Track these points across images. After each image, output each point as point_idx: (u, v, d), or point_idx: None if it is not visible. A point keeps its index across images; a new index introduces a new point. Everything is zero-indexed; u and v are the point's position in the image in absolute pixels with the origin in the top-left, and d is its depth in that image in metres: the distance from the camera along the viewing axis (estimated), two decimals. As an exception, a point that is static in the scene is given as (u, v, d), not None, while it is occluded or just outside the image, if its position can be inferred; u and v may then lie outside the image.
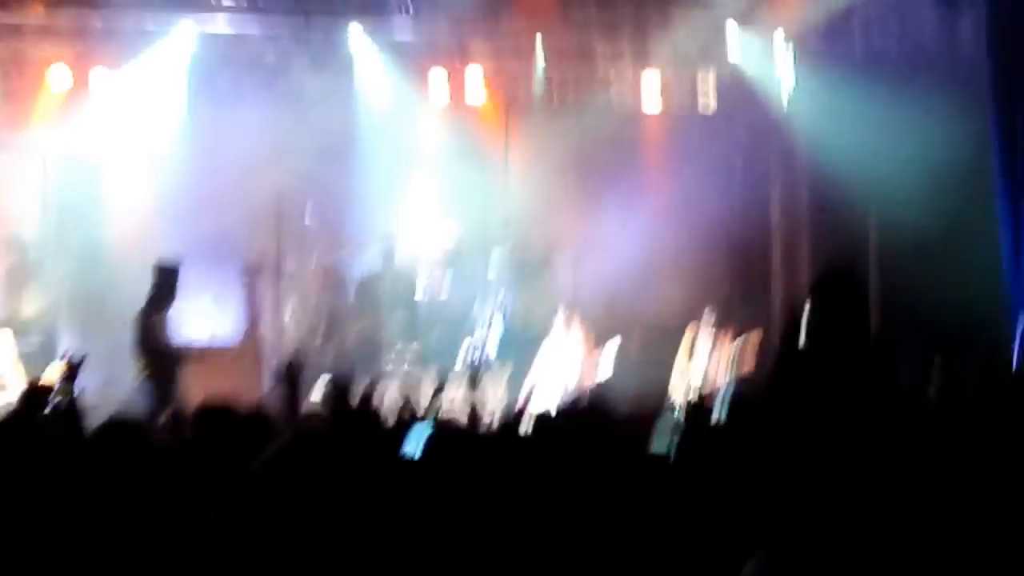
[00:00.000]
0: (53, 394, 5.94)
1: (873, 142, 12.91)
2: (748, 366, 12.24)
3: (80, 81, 14.64)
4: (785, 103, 14.82)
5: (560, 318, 13.27)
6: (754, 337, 12.49)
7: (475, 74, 15.24)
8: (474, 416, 8.01)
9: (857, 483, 4.77)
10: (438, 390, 8.76)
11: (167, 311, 11.45)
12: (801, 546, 3.29)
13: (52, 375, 5.48)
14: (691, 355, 12.98)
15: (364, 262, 14.58)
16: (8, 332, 12.71)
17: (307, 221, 14.44)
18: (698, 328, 13.10)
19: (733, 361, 12.70)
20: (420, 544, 3.89)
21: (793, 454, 5.04)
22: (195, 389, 10.75)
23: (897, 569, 3.67)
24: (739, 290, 15.30)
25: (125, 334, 13.90)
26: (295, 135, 14.78)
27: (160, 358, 11.13)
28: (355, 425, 5.76)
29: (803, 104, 14.51)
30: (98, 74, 14.63)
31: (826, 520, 4.45)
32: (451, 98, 15.24)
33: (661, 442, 5.72)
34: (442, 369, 13.46)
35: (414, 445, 5.13)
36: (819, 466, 4.97)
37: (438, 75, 15.17)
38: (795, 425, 5.14)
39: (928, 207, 12.17)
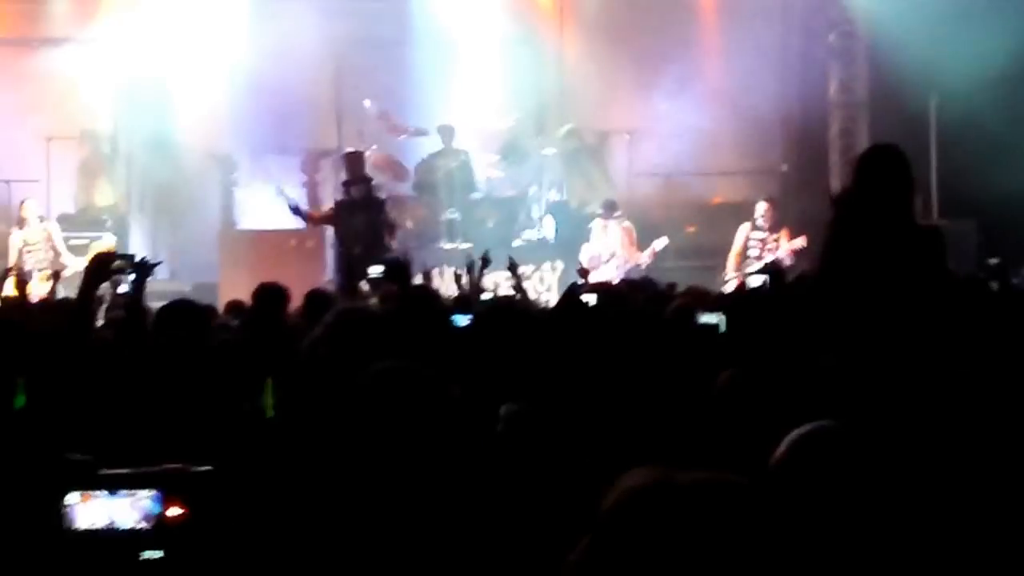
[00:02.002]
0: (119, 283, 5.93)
1: (937, 24, 12.52)
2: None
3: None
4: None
5: (606, 208, 13.16)
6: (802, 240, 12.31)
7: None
8: (528, 296, 7.96)
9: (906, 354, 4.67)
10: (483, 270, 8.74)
11: None
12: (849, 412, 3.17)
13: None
14: (746, 243, 12.83)
15: (423, 150, 14.46)
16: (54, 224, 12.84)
17: (366, 110, 14.30)
18: (753, 216, 12.94)
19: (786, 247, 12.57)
20: (469, 410, 3.82)
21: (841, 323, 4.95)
22: (261, 273, 10.74)
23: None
24: (796, 171, 15.08)
25: (192, 221, 14.10)
26: (354, 25, 14.68)
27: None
28: (415, 303, 5.69)
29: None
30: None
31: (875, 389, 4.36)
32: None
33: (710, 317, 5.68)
34: (498, 254, 13.41)
35: (465, 320, 5.14)
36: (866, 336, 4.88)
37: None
38: (842, 296, 5.03)
39: (989, 95, 11.85)
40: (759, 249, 12.56)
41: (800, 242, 12.29)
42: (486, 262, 8.06)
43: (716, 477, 1.68)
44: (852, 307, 5.04)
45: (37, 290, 11.12)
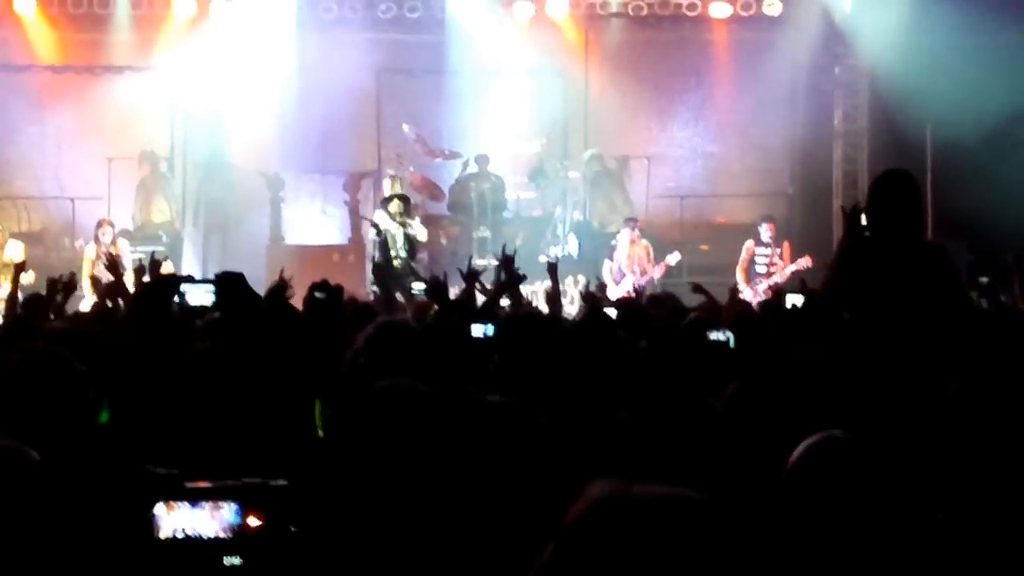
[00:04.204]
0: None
1: (932, 60, 12.52)
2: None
3: (202, 9, 14.67)
4: (849, 8, 14.40)
5: (629, 224, 13.23)
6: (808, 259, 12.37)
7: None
8: (554, 308, 7.96)
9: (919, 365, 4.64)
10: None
11: None
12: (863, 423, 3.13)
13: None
14: (751, 257, 12.92)
15: (457, 172, 14.53)
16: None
17: (405, 134, 14.37)
18: (758, 234, 13.01)
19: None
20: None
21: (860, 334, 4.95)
22: (306, 285, 10.78)
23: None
24: (801, 194, 15.08)
25: (242, 236, 14.17)
26: (393, 56, 14.79)
27: None
28: (456, 314, 5.71)
29: (867, 12, 14.04)
30: (218, 2, 14.63)
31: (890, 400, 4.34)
32: (535, 14, 14.99)
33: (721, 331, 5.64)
34: (526, 270, 13.43)
35: (488, 330, 5.16)
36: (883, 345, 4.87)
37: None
38: (860, 305, 5.04)
39: (979, 124, 11.85)
40: (765, 264, 12.81)
41: (805, 262, 12.45)
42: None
43: (672, 492, 1.64)
44: (865, 317, 5.06)
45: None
